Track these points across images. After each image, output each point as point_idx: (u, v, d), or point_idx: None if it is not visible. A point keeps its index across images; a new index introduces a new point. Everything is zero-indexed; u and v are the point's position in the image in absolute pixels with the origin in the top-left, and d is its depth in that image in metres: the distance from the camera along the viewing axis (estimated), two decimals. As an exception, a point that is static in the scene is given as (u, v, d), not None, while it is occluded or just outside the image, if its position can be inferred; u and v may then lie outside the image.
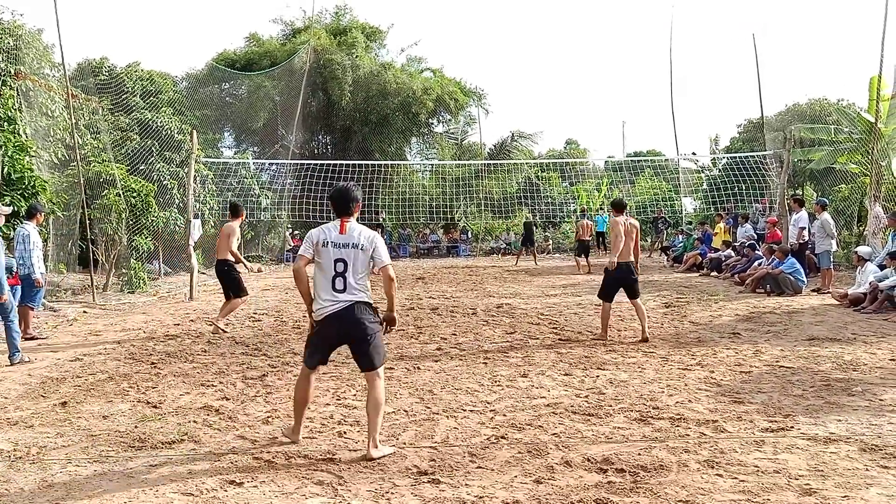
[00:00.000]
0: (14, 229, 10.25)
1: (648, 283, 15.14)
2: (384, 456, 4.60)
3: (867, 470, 4.23)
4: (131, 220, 15.77)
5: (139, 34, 62.52)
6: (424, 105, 28.17)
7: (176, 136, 18.87)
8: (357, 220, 4.85)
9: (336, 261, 4.59)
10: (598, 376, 6.85)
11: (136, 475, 4.39)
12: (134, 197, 15.73)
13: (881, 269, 11.14)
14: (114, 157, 16.46)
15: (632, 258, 8.76)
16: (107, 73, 20.16)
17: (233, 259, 9.68)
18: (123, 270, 15.55)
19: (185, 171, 16.37)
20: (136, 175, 16.86)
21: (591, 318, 10.52)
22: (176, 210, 17.90)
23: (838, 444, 4.68)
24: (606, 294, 8.85)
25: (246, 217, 22.27)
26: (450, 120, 32.37)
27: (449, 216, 28.66)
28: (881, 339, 8.37)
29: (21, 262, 9.36)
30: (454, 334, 9.37)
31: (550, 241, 28.80)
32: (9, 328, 7.97)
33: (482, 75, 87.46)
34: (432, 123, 31.69)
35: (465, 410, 5.72)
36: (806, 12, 66.94)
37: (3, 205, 9.53)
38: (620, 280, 8.76)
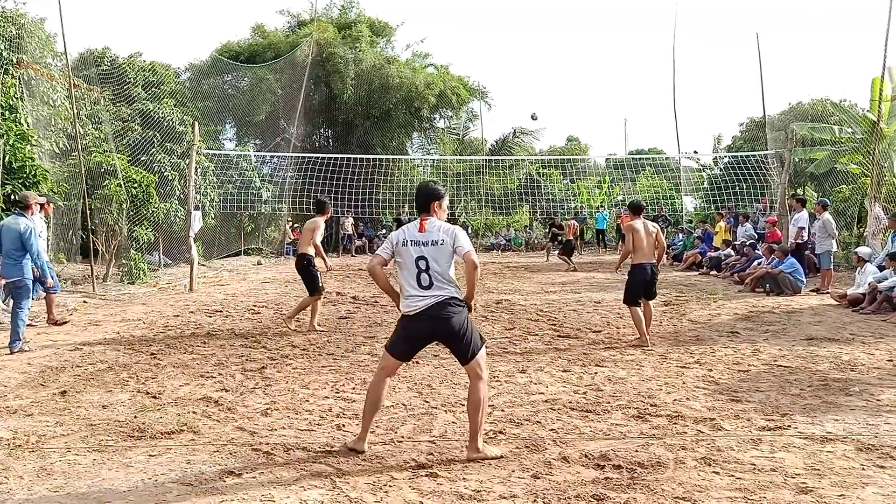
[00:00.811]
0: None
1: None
2: (488, 458, 4.45)
3: (863, 469, 4.24)
4: (132, 211, 15.78)
5: (142, 24, 62.50)
6: (426, 100, 28.13)
7: (177, 127, 18.87)
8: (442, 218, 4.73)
9: (417, 259, 4.48)
10: (596, 373, 6.87)
11: (134, 465, 4.41)
12: (135, 188, 15.74)
13: (881, 270, 11.16)
14: (115, 148, 16.46)
15: (653, 259, 8.53)
16: (109, 64, 20.13)
17: (312, 253, 9.32)
18: (124, 261, 15.56)
19: (187, 162, 16.37)
20: (137, 166, 16.86)
21: (590, 315, 10.54)
22: (177, 201, 17.91)
23: (835, 444, 4.69)
24: (633, 298, 8.46)
25: (249, 210, 22.49)
26: (451, 116, 32.32)
27: (449, 212, 28.65)
28: (879, 340, 8.38)
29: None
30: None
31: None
32: (16, 314, 8.05)
33: (485, 72, 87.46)
34: (434, 119, 31.66)
35: (463, 405, 5.71)
36: (809, 12, 66.88)
37: (2, 194, 9.60)
38: (646, 281, 8.47)
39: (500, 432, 5.02)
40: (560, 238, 22.19)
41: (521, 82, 72.47)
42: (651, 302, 8.72)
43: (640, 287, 8.47)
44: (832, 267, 13.38)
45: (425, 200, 4.68)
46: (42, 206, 9.90)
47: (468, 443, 4.56)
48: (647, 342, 8.24)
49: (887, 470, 4.23)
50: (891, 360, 7.25)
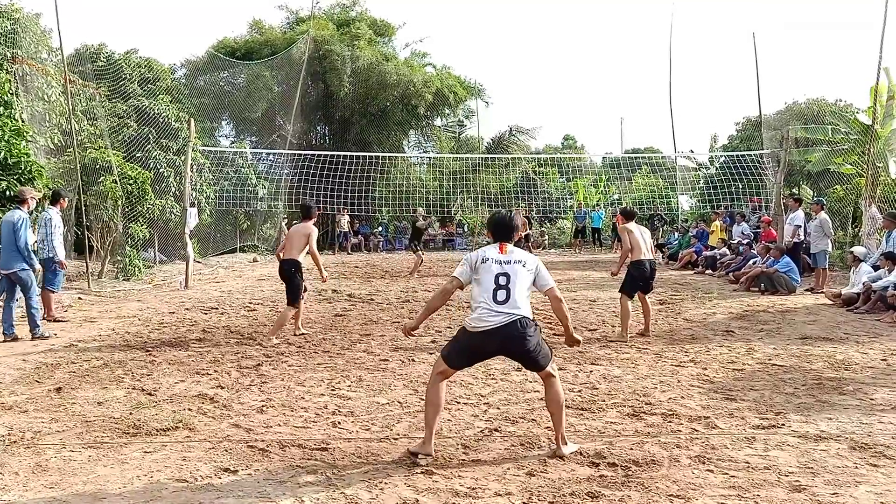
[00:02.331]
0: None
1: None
2: (573, 452, 4.50)
3: (856, 468, 4.27)
4: (127, 208, 15.75)
5: (139, 20, 62.30)
6: (423, 98, 28.08)
7: (173, 124, 18.82)
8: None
9: (498, 275, 4.51)
10: (591, 371, 6.89)
11: (130, 461, 4.41)
12: (130, 184, 15.70)
13: (875, 270, 11.20)
14: (110, 144, 16.41)
15: (651, 255, 8.85)
16: (105, 60, 20.05)
17: (301, 259, 8.68)
18: (119, 258, 15.54)
19: (182, 159, 16.34)
20: (132, 162, 16.82)
21: (586, 314, 10.56)
22: (172, 198, 17.88)
23: (829, 442, 4.72)
24: (631, 290, 8.71)
25: (244, 207, 22.45)
26: (448, 114, 32.28)
27: (446, 210, 28.67)
28: (873, 339, 8.42)
29: (42, 245, 9.93)
30: (449, 327, 9.38)
31: (546, 236, 28.85)
32: (28, 305, 8.63)
33: (482, 70, 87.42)
34: (431, 116, 31.60)
35: (458, 403, 5.74)
36: (806, 12, 67.01)
37: None
38: (646, 276, 8.71)
39: (496, 430, 5.03)
40: (528, 233, 22.69)
41: (518, 81, 72.47)
42: (648, 300, 8.90)
43: (639, 281, 8.74)
44: (827, 266, 13.43)
45: (507, 231, 4.74)
46: (58, 200, 10.25)
47: (555, 441, 4.58)
48: (627, 338, 8.45)
49: (880, 468, 4.25)
50: (884, 360, 7.28)
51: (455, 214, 30.17)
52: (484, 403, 5.73)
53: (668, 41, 42.24)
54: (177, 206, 17.44)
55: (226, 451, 4.61)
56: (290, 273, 8.73)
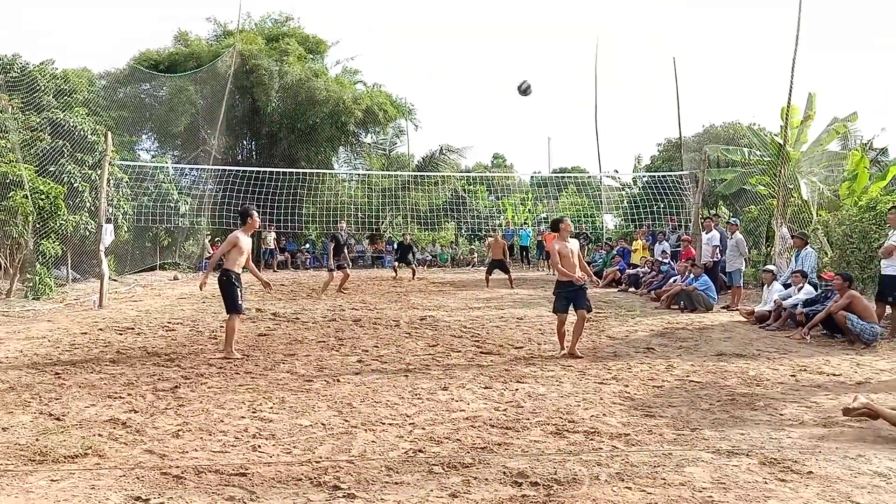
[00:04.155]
0: None
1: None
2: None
3: (766, 483, 4.41)
4: (38, 224, 15.07)
5: (58, 31, 59.97)
6: (353, 115, 27.97)
7: (90, 137, 18.14)
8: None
9: None
10: (517, 389, 6.93)
11: (35, 490, 4.17)
12: (42, 199, 15.03)
13: (786, 288, 11.71)
14: (22, 158, 15.70)
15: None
16: (18, 70, 19.21)
17: (238, 270, 8.57)
18: (28, 276, 14.83)
19: (98, 173, 15.76)
20: (45, 176, 16.11)
21: (513, 332, 10.65)
22: (87, 214, 17.20)
23: (740, 458, 4.87)
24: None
25: (165, 223, 21.77)
26: (378, 131, 32.26)
27: (375, 227, 28.56)
28: (783, 356, 8.78)
29: None
30: (376, 346, 9.32)
31: (476, 255, 29.07)
32: None
33: (412, 89, 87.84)
34: (360, 133, 31.51)
35: (383, 424, 5.68)
36: (723, 39, 70.08)
37: None
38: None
39: (420, 451, 4.99)
40: (408, 258, 22.44)
41: (449, 101, 73.03)
42: (571, 318, 9.01)
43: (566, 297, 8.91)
44: (741, 284, 13.98)
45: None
46: None
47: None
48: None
49: (788, 483, 4.41)
50: (793, 376, 7.60)
51: (385, 232, 30.06)
52: (409, 424, 5.69)
53: (593, 63, 43.48)
54: (92, 222, 16.79)
55: (138, 478, 4.41)
56: (220, 282, 8.62)
